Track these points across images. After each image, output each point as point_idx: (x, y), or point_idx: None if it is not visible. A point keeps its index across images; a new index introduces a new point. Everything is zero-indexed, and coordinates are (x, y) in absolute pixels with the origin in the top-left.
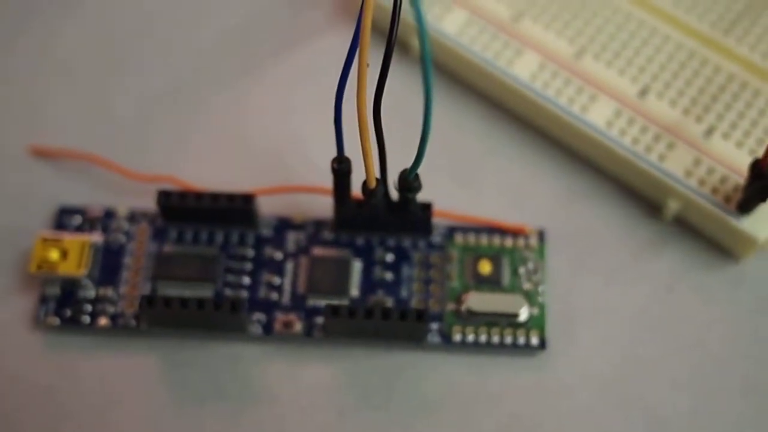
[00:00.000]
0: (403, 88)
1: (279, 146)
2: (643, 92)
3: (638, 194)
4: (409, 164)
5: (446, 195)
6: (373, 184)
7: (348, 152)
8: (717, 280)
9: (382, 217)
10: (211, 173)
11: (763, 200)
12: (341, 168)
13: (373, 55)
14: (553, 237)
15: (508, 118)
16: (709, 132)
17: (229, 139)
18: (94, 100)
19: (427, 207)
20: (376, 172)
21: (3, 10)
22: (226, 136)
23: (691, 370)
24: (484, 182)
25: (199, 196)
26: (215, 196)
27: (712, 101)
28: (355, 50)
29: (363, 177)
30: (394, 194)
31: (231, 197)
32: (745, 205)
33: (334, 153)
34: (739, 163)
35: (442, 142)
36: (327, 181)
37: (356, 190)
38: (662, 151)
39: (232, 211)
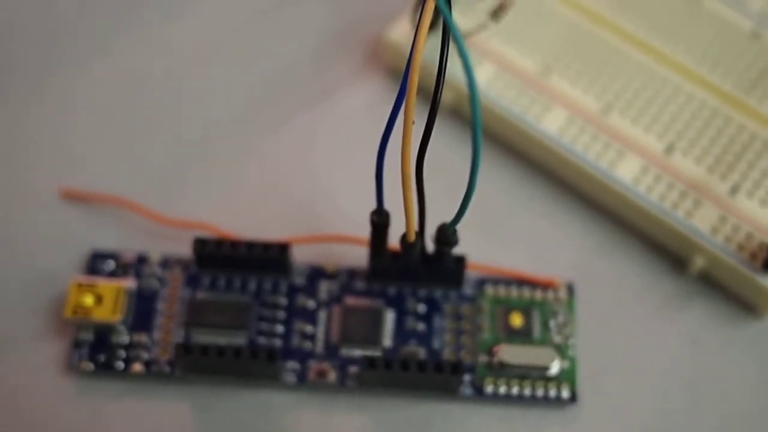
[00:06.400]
0: (440, 140)
1: (308, 195)
2: (669, 149)
3: (664, 249)
4: (440, 216)
5: (476, 247)
6: (412, 238)
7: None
8: (741, 335)
9: (417, 269)
10: (240, 220)
11: None
12: (381, 221)
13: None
14: (582, 290)
15: (536, 172)
16: (734, 190)
17: (258, 187)
18: (125, 143)
19: (460, 260)
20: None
21: (32, 50)
22: (256, 183)
23: (719, 423)
24: (513, 235)
25: (234, 244)
26: (251, 245)
27: (736, 160)
28: (400, 107)
29: (399, 229)
30: (430, 246)
31: (266, 246)
32: None
33: (364, 204)
34: (764, 221)
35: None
36: (357, 230)
37: (393, 241)
38: (689, 208)
39: (267, 259)
